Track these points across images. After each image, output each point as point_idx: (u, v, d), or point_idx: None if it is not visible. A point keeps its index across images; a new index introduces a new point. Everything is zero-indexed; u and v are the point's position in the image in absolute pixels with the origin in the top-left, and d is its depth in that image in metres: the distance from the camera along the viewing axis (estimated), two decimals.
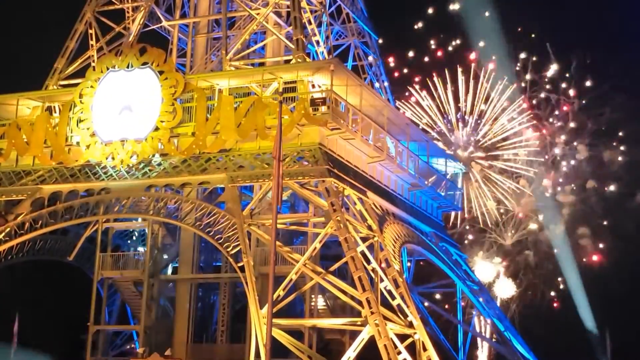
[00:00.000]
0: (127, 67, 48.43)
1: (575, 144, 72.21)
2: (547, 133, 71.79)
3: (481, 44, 73.50)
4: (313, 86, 46.70)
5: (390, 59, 74.14)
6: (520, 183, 70.83)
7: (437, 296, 65.99)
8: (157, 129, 46.76)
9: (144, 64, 47.98)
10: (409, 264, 58.39)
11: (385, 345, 40.46)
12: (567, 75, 73.55)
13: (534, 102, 73.07)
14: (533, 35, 74.34)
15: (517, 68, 73.45)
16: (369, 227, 45.57)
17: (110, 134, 47.76)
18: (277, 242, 38.49)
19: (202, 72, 53.07)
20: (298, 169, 44.47)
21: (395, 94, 68.69)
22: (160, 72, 47.49)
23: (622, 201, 70.72)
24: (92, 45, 54.02)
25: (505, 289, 70.02)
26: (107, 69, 48.92)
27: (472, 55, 72.47)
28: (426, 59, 75.60)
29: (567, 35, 72.78)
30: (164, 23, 56.29)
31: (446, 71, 72.80)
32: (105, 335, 53.03)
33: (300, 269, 43.68)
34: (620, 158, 71.38)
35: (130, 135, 47.25)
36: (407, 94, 73.51)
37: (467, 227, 71.25)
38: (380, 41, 63.29)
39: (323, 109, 44.56)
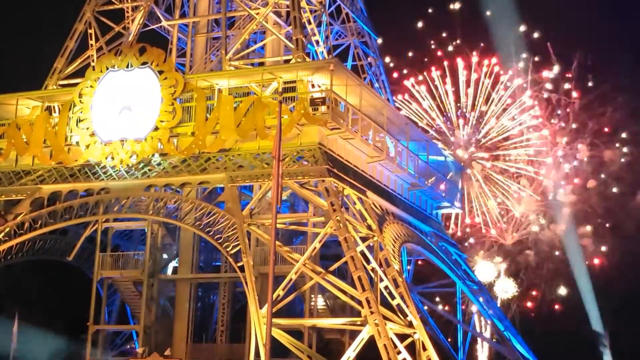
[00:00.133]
0: (127, 66, 48.44)
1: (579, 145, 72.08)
2: (550, 133, 71.65)
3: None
4: (313, 86, 46.70)
5: (388, 59, 73.94)
6: (521, 183, 70.76)
7: (437, 299, 65.87)
8: (156, 128, 46.77)
9: (144, 63, 47.99)
10: (409, 267, 58.39)
11: (385, 345, 40.44)
12: (569, 75, 73.52)
13: (536, 102, 72.90)
14: (536, 35, 74.19)
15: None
16: (369, 227, 45.55)
17: (110, 134, 47.76)
18: (277, 241, 38.44)
19: (201, 71, 53.05)
20: (298, 168, 44.47)
21: (394, 93, 68.77)
22: (160, 72, 47.50)
23: (623, 201, 70.71)
24: (91, 45, 54.01)
25: (506, 288, 69.96)
26: (107, 68, 48.93)
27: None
28: (426, 59, 75.51)
29: (568, 35, 72.71)
30: (164, 23, 56.29)
31: (445, 67, 72.69)
32: (105, 335, 52.99)
33: (300, 269, 43.66)
34: (623, 160, 71.27)
35: (129, 135, 47.25)
36: (406, 95, 73.40)
37: (468, 227, 71.17)
38: (380, 41, 63.18)
39: (323, 108, 44.57)
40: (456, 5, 76.60)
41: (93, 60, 52.64)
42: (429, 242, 54.22)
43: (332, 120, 44.45)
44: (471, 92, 72.61)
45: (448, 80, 72.95)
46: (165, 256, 53.26)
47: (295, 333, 46.34)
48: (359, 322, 43.17)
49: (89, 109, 48.59)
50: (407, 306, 43.78)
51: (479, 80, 72.56)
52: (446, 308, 63.64)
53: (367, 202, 46.59)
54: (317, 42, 50.65)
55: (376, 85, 60.59)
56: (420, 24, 77.53)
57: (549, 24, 73.64)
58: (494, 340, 62.25)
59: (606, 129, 71.69)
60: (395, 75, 73.78)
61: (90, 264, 54.08)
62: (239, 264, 44.11)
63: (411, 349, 42.99)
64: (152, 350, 47.33)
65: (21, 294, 55.72)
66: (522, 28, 73.86)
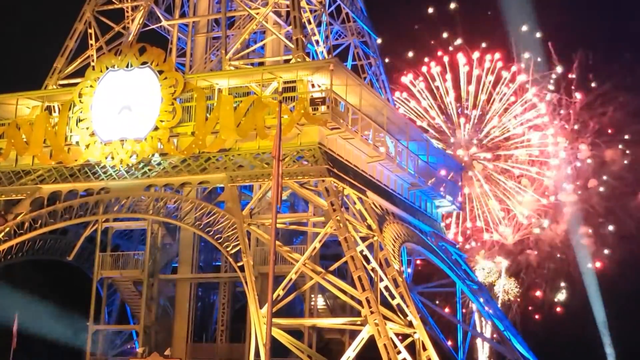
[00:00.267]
0: (127, 66, 48.44)
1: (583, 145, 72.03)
2: (554, 133, 71.55)
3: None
4: (313, 86, 46.69)
5: (388, 60, 73.87)
6: (522, 182, 70.72)
7: (437, 301, 65.78)
8: (156, 128, 46.76)
9: (144, 63, 47.99)
10: (409, 268, 58.33)
11: (385, 344, 40.44)
12: (570, 74, 73.46)
13: (542, 100, 72.76)
14: (539, 35, 74.10)
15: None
16: (369, 227, 45.54)
17: (110, 134, 47.76)
18: (277, 241, 38.44)
19: (201, 71, 53.03)
20: (298, 168, 44.45)
21: (392, 90, 68.63)
22: (160, 72, 47.49)
23: (624, 200, 70.72)
24: (91, 45, 53.98)
25: (507, 288, 69.96)
26: (107, 68, 48.92)
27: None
28: (426, 58, 75.37)
29: (570, 35, 72.73)
30: (164, 22, 56.27)
31: (446, 63, 72.55)
32: (104, 335, 52.95)
33: (300, 269, 43.66)
34: (625, 162, 71.25)
35: (129, 135, 47.25)
36: (404, 93, 73.32)
37: (469, 227, 71.15)
38: (379, 41, 63.12)
39: (323, 108, 44.56)
40: (457, 5, 76.68)
41: (93, 60, 52.62)
42: (429, 242, 54.21)
43: (332, 120, 44.45)
44: (472, 89, 72.48)
45: (448, 77, 72.85)
46: (165, 256, 53.21)
47: (295, 333, 46.32)
48: (359, 322, 43.16)
49: (88, 109, 48.59)
50: (407, 306, 43.77)
51: (480, 77, 72.41)
52: (447, 310, 63.54)
53: (367, 201, 46.59)
54: (317, 41, 50.63)
55: (376, 85, 60.56)
56: (419, 25, 77.67)
57: (549, 24, 73.75)
58: (494, 339, 62.28)
59: (608, 129, 71.80)
60: (394, 76, 73.87)
61: (90, 264, 54.04)
62: (239, 264, 44.11)
63: (411, 348, 42.98)
64: (152, 350, 47.30)
65: (21, 294, 55.60)
66: (525, 28, 73.86)
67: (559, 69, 73.14)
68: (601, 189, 70.74)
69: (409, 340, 43.51)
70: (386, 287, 44.11)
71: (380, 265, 44.48)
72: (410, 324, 43.69)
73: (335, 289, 44.22)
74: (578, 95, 72.20)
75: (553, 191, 70.72)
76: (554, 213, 70.59)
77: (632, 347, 64.36)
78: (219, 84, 47.16)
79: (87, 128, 48.38)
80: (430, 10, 77.82)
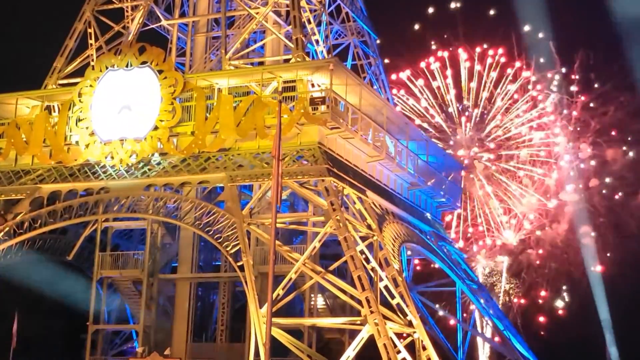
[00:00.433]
0: (126, 66, 48.41)
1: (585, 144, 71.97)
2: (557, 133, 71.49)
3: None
4: (312, 85, 46.66)
5: (387, 61, 73.79)
6: (524, 182, 70.69)
7: (443, 303, 65.71)
8: (156, 128, 46.74)
9: (143, 63, 47.96)
10: (413, 271, 58.35)
11: (384, 344, 40.43)
12: (571, 74, 73.42)
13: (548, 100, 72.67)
14: (541, 35, 74.00)
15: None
16: (369, 226, 45.53)
17: (110, 133, 47.73)
18: (277, 241, 38.40)
19: (201, 71, 53.02)
20: (297, 168, 44.44)
21: (391, 88, 68.59)
22: (160, 71, 47.47)
23: (625, 200, 70.71)
24: (91, 45, 53.94)
25: (508, 288, 69.97)
26: (106, 68, 48.89)
27: (518, 64, 71.66)
28: (427, 59, 75.27)
29: (571, 35, 72.70)
30: (163, 22, 56.25)
31: (446, 58, 72.40)
32: (104, 335, 52.97)
33: (300, 268, 43.65)
34: (630, 158, 71.17)
35: (129, 135, 47.23)
36: (402, 90, 73.21)
37: (469, 227, 71.14)
38: (378, 41, 63.09)
39: (322, 108, 44.53)
40: (457, 5, 76.56)
41: (93, 60, 52.58)
42: (428, 242, 54.20)
43: (331, 119, 44.43)
44: (474, 86, 72.28)
45: (448, 73, 72.62)
46: (165, 256, 53.21)
47: (295, 332, 46.32)
48: (358, 322, 43.14)
49: (88, 109, 48.56)
50: (407, 305, 43.77)
51: (482, 74, 72.20)
52: (446, 311, 63.52)
53: (367, 201, 46.58)
54: (317, 41, 50.61)
55: (376, 84, 60.55)
56: (419, 25, 77.57)
57: (550, 24, 73.72)
58: (494, 339, 62.27)
59: (609, 129, 71.77)
60: (394, 77, 73.76)
61: (90, 264, 54.03)
62: (239, 264, 44.10)
63: (411, 348, 42.98)
64: (151, 350, 47.31)
65: (21, 293, 55.58)
66: (527, 28, 73.79)
67: (563, 69, 73.21)
68: (604, 191, 70.76)
69: (409, 339, 43.50)
70: (386, 287, 44.10)
71: (380, 265, 44.47)
72: (410, 324, 43.68)
73: (335, 289, 44.21)
74: (582, 97, 72.27)
75: (555, 191, 70.74)
76: (555, 213, 70.60)
77: (633, 347, 64.32)
78: (218, 83, 47.14)
79: (87, 128, 48.35)
80: (431, 10, 77.84)
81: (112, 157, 47.58)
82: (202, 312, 55.36)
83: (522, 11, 72.08)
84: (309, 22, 50.14)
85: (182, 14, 56.51)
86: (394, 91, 72.09)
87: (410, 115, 72.13)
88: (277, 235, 41.46)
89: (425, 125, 72.62)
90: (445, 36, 74.72)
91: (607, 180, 70.95)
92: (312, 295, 49.64)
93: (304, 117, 43.90)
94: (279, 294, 42.80)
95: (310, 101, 44.85)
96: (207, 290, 56.38)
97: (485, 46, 72.46)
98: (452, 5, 76.58)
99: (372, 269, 44.35)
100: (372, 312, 41.23)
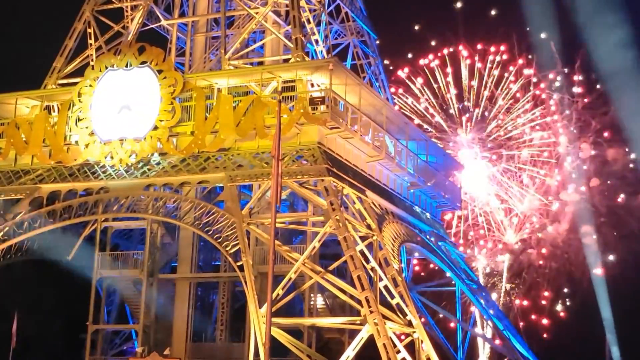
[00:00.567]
0: (126, 66, 48.41)
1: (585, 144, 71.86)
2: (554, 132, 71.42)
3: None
4: (312, 85, 46.66)
5: (387, 61, 73.69)
6: (524, 182, 70.64)
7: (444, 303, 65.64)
8: (156, 128, 46.73)
9: (143, 63, 47.95)
10: (409, 269, 58.30)
11: (384, 344, 40.41)
12: (571, 74, 73.33)
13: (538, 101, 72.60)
14: (543, 36, 73.88)
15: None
16: (368, 226, 45.52)
17: (109, 133, 47.71)
18: (276, 241, 38.40)
19: (201, 71, 53.00)
20: (297, 168, 44.43)
21: (390, 87, 68.56)
22: (159, 71, 47.45)
23: (625, 200, 70.67)
24: (90, 44, 53.94)
25: (508, 288, 69.97)
26: (106, 68, 48.88)
27: (520, 61, 71.50)
28: (426, 59, 75.13)
29: (571, 34, 72.62)
30: (163, 22, 56.25)
31: (446, 56, 72.31)
32: (104, 335, 52.98)
33: (300, 268, 43.63)
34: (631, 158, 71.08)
35: (129, 135, 47.21)
36: (406, 98, 73.13)
37: (470, 226, 71.11)
38: (378, 41, 63.08)
39: (322, 108, 44.52)
40: (458, 4, 76.48)
41: (92, 60, 52.58)
42: (428, 242, 54.18)
43: (331, 119, 44.41)
44: (475, 84, 72.17)
45: (449, 71, 72.49)
46: (164, 255, 53.18)
47: (295, 332, 46.31)
48: (358, 322, 43.12)
49: (88, 108, 48.55)
50: (407, 305, 43.75)
51: (483, 71, 72.08)
52: (446, 311, 63.50)
53: (367, 201, 46.56)
54: (317, 41, 50.60)
55: (375, 84, 60.54)
56: (419, 25, 77.45)
57: (551, 24, 73.62)
58: (494, 339, 62.23)
59: (610, 129, 71.72)
60: (393, 78, 73.72)
61: (89, 264, 53.96)
62: (239, 263, 44.09)
63: (411, 348, 42.96)
64: (151, 350, 47.28)
65: (20, 293, 55.60)
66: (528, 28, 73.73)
67: (565, 70, 73.16)
68: (605, 192, 70.76)
69: (409, 339, 43.49)
70: (385, 287, 44.09)
71: (380, 265, 44.45)
72: (409, 324, 43.66)
73: (334, 289, 44.19)
74: (575, 91, 72.20)
75: (555, 191, 70.70)
76: (556, 212, 70.57)
77: (634, 347, 64.28)
78: (218, 83, 47.13)
79: (87, 127, 48.33)
80: (430, 10, 77.78)
81: (112, 157, 47.57)
82: (202, 312, 55.33)
83: (523, 11, 72.14)
84: (309, 22, 50.13)
85: (182, 14, 56.51)
86: (392, 90, 72.03)
87: (410, 115, 72.04)
88: (277, 235, 41.50)
89: (425, 125, 72.54)
90: (445, 35, 74.81)
91: (609, 182, 70.96)
92: (312, 295, 49.63)
93: (303, 117, 43.89)
94: (278, 294, 42.77)
95: (310, 101, 44.84)
96: (207, 290, 56.37)
97: (486, 43, 72.41)
98: (458, 4, 76.39)
99: (372, 269, 44.33)
100: (371, 312, 41.21)
